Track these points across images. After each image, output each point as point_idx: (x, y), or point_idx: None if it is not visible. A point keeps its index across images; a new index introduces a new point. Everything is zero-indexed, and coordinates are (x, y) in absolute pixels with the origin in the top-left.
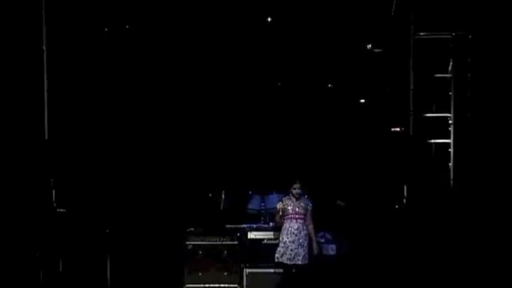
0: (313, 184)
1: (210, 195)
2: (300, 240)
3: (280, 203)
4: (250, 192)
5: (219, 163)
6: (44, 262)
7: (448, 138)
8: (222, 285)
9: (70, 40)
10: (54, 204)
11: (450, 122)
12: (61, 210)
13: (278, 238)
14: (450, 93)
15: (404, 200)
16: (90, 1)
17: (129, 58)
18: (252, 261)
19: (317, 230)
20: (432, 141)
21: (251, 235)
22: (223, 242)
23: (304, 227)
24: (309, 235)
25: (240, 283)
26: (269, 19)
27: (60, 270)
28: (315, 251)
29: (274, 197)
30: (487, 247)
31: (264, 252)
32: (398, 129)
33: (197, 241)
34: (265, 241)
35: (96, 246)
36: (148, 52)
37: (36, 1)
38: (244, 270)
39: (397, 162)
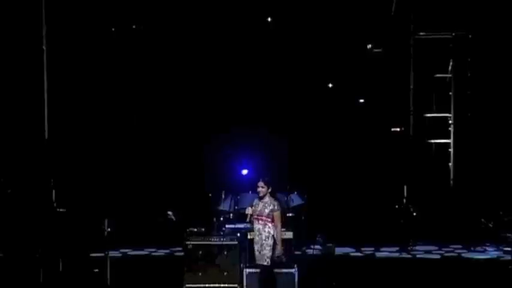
0: (313, 184)
1: (210, 195)
2: (261, 242)
3: (249, 208)
4: (250, 192)
5: (219, 163)
6: (44, 261)
7: (448, 138)
8: (222, 285)
9: (70, 40)
10: (54, 204)
11: (450, 122)
12: (61, 210)
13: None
14: (450, 93)
15: (404, 200)
16: (89, 2)
17: (128, 58)
18: (252, 261)
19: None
20: (432, 141)
21: (251, 235)
22: (223, 242)
23: (266, 228)
24: (273, 237)
25: (240, 283)
26: (269, 19)
27: (60, 270)
28: (276, 253)
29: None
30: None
31: None
32: (398, 129)
33: (197, 241)
34: None
35: (96, 245)
36: (147, 53)
37: (36, 1)
38: (244, 270)
39: (397, 162)
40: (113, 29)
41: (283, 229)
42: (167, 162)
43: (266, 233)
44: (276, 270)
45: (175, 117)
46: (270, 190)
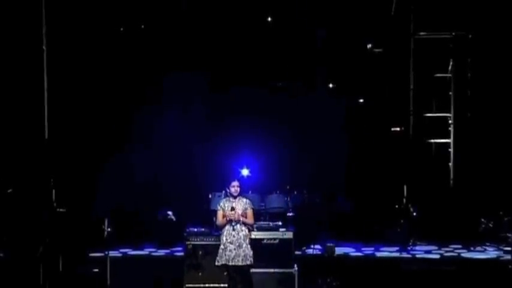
0: (313, 184)
1: (209, 196)
2: (239, 241)
3: (219, 206)
4: (250, 192)
5: (219, 165)
6: (45, 261)
7: (448, 138)
8: (222, 285)
9: (70, 40)
10: (54, 204)
11: (450, 122)
12: (61, 210)
13: (278, 238)
14: (450, 93)
15: (404, 200)
16: (89, 2)
17: (127, 58)
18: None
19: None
20: (432, 141)
21: (251, 235)
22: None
23: (243, 227)
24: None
25: (241, 282)
26: (269, 19)
27: (60, 270)
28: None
29: (273, 196)
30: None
31: (264, 252)
32: (398, 129)
33: (197, 241)
34: (265, 241)
35: (96, 245)
36: (147, 52)
37: (36, 1)
38: None
39: (397, 162)
40: (122, 29)
41: (254, 225)
42: (167, 162)
43: (244, 232)
44: (277, 270)
45: (174, 117)
46: (241, 189)
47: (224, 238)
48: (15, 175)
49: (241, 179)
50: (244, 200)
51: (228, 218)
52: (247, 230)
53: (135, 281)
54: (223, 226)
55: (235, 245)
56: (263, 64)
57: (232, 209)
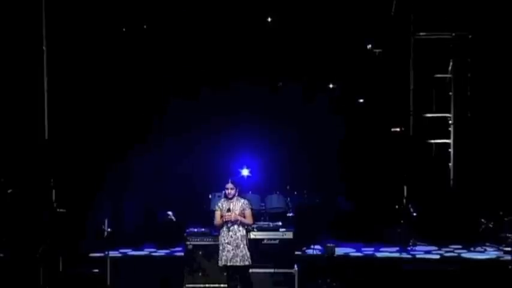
0: (313, 184)
1: (210, 196)
2: (236, 241)
3: (217, 206)
4: (250, 192)
5: (219, 165)
6: (45, 261)
7: (448, 138)
8: (222, 285)
9: (70, 40)
10: (54, 204)
11: (450, 122)
12: (61, 210)
13: (278, 238)
14: (450, 93)
15: (404, 200)
16: (89, 2)
17: (127, 58)
18: (252, 261)
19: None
20: (432, 141)
21: (251, 235)
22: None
23: (240, 228)
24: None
25: (241, 283)
26: (269, 19)
27: (60, 270)
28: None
29: (274, 197)
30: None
31: (264, 253)
32: (398, 129)
33: (197, 241)
34: (265, 241)
35: (96, 245)
36: (148, 53)
37: (36, 1)
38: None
39: (397, 162)
40: (124, 29)
41: (254, 225)
42: (167, 163)
43: (241, 233)
44: (276, 270)
45: (175, 117)
46: (238, 190)
47: (222, 239)
48: (16, 175)
49: (235, 180)
50: (242, 200)
51: (224, 219)
52: (244, 231)
53: (135, 281)
54: (221, 226)
55: (232, 245)
56: (264, 64)
57: (228, 210)
